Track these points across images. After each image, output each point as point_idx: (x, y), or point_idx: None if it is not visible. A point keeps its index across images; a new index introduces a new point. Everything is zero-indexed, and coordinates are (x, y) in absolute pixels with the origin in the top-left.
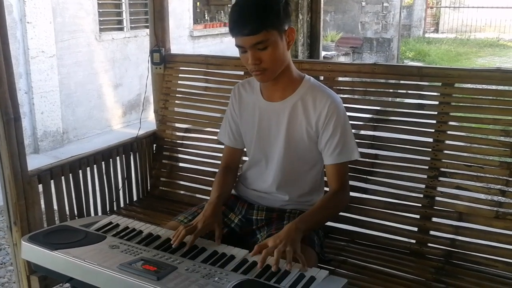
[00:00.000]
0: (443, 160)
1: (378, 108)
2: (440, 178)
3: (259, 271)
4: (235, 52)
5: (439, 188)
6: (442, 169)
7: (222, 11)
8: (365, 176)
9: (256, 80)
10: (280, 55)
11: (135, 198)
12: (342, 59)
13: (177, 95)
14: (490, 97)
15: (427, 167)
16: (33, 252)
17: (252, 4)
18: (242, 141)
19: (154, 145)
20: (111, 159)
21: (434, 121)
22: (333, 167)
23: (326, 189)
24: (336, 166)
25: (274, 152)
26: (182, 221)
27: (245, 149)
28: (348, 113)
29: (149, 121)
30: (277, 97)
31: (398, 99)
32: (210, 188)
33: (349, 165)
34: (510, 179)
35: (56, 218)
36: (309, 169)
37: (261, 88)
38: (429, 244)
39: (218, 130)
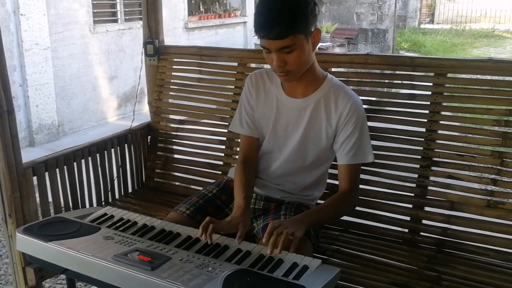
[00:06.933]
0: (436, 150)
1: (372, 98)
2: (433, 168)
3: (253, 261)
4: (230, 44)
5: (431, 178)
6: (435, 159)
7: (217, 3)
8: None
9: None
10: (305, 57)
11: (130, 190)
12: (337, 50)
13: (171, 86)
14: (483, 87)
15: (419, 157)
16: (28, 244)
17: (280, 6)
18: (261, 129)
19: (149, 136)
20: (105, 151)
21: (427, 111)
22: (346, 168)
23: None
24: (349, 166)
25: (287, 147)
26: (184, 212)
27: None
28: None
29: (144, 113)
30: (299, 94)
31: (393, 90)
32: (204, 179)
33: None
34: (502, 168)
35: (51, 210)
36: (318, 166)
37: (282, 83)
38: (422, 233)
39: (212, 122)
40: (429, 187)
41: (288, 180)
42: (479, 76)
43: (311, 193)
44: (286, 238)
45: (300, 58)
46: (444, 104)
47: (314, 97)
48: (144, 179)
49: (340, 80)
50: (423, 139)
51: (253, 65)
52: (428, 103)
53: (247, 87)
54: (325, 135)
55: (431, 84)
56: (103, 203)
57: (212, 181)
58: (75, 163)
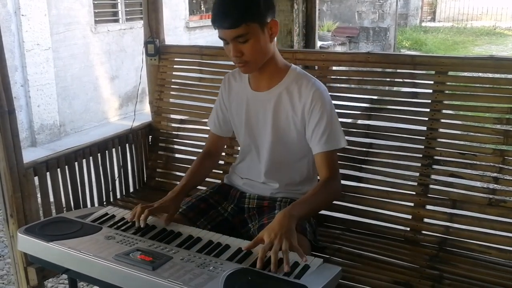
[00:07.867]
0: (437, 148)
1: (373, 97)
2: (434, 166)
3: (254, 260)
4: None
5: (433, 176)
6: (436, 157)
7: None
8: (359, 165)
9: None
10: (261, 48)
11: (131, 189)
12: (338, 49)
13: (172, 86)
14: (484, 85)
15: (421, 155)
16: (29, 244)
17: None
18: (227, 129)
19: (150, 136)
20: (106, 151)
21: (428, 110)
22: (322, 156)
23: None
24: (324, 154)
25: (263, 142)
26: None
27: (232, 139)
28: (342, 103)
29: (146, 113)
30: (263, 87)
31: (394, 88)
32: (206, 179)
33: (343, 154)
34: (504, 166)
35: (52, 210)
36: (299, 160)
37: (249, 78)
38: (423, 232)
39: None
40: (431, 186)
41: (273, 178)
42: (480, 74)
43: (300, 187)
44: (287, 257)
45: (255, 48)
46: (446, 102)
47: (278, 89)
48: (145, 178)
49: (341, 78)
50: (424, 138)
51: None
52: (429, 101)
53: (221, 89)
54: (294, 126)
55: (432, 82)
56: (104, 203)
57: (213, 180)
58: (76, 163)
